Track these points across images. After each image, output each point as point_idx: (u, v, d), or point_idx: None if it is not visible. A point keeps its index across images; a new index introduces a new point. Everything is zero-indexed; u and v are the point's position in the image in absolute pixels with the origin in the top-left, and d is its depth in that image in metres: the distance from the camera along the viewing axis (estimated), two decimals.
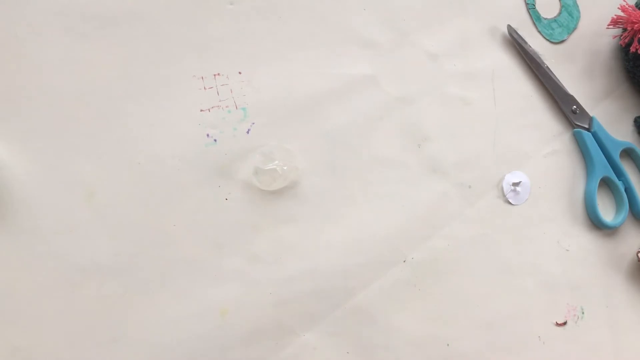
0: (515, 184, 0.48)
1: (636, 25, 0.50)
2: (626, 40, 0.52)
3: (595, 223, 0.50)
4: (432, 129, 0.48)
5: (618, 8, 0.52)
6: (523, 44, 0.51)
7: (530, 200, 0.49)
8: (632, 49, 0.51)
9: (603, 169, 0.51)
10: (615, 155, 0.51)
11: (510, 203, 0.48)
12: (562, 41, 0.54)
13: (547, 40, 0.53)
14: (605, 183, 0.52)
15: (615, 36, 0.54)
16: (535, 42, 0.52)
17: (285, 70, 0.45)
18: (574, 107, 0.52)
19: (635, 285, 0.51)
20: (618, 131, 0.53)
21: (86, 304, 0.38)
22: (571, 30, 0.54)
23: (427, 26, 0.50)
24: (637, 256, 0.50)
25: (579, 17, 0.55)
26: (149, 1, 0.43)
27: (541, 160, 0.50)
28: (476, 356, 0.45)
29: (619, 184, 0.51)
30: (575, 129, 0.52)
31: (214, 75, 0.43)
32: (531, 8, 0.53)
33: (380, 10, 0.48)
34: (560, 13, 0.54)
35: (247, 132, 0.43)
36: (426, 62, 0.49)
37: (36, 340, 0.37)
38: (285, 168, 0.42)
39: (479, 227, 0.47)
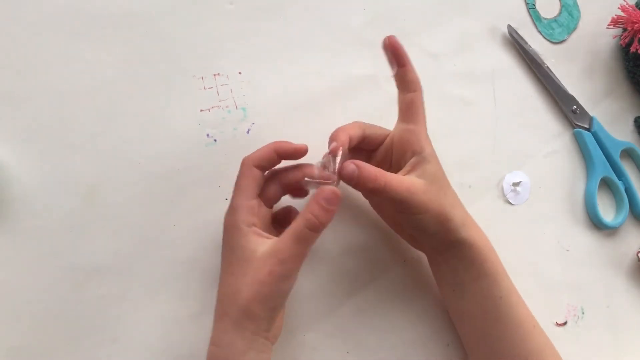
0: (515, 184, 0.48)
1: (636, 25, 0.50)
2: (626, 40, 0.52)
3: (596, 223, 0.50)
4: (432, 129, 0.47)
5: (618, 8, 0.52)
6: (523, 44, 0.51)
7: (530, 200, 0.49)
8: (632, 49, 0.51)
9: (603, 169, 0.51)
10: (616, 155, 0.51)
11: (510, 203, 0.48)
12: (562, 41, 0.54)
13: (547, 40, 0.53)
14: (606, 183, 0.52)
15: (615, 36, 0.54)
16: (536, 42, 0.52)
17: (286, 70, 0.45)
18: (574, 107, 0.52)
19: (635, 285, 0.51)
20: (618, 131, 0.53)
21: (86, 304, 0.38)
22: (571, 30, 0.54)
23: (427, 26, 0.50)
24: (637, 256, 0.50)
25: (579, 17, 0.55)
26: (149, 1, 0.43)
27: (541, 160, 0.50)
28: None
29: (619, 184, 0.51)
30: (576, 129, 0.52)
31: (214, 75, 0.43)
32: (531, 8, 0.53)
33: (380, 10, 0.48)
34: (560, 13, 0.54)
35: (247, 132, 0.43)
36: (426, 62, 0.49)
37: (36, 340, 0.37)
38: None
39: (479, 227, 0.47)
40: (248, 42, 0.44)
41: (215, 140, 0.42)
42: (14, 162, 0.39)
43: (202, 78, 0.43)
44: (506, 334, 0.38)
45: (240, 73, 0.44)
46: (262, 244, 0.34)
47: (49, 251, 0.38)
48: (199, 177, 0.41)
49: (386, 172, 0.35)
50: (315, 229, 0.33)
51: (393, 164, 0.39)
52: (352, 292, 0.43)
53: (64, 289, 0.38)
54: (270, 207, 0.38)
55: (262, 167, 0.37)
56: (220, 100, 0.43)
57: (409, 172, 0.37)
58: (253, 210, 0.35)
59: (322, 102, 0.45)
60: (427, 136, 0.38)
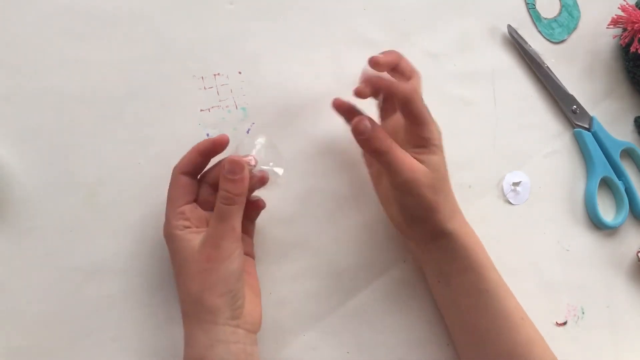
0: (515, 184, 0.48)
1: (636, 25, 0.50)
2: (626, 40, 0.52)
3: (596, 223, 0.50)
4: None
5: (618, 8, 0.52)
6: (523, 44, 0.51)
7: (530, 200, 0.49)
8: (632, 49, 0.51)
9: (603, 169, 0.51)
10: (616, 155, 0.51)
11: (510, 203, 0.48)
12: (562, 41, 0.54)
13: (547, 40, 0.53)
14: (606, 183, 0.52)
15: (615, 36, 0.54)
16: (536, 42, 0.52)
17: (285, 70, 0.45)
18: (574, 107, 0.52)
19: (635, 285, 0.51)
20: (618, 131, 0.53)
21: (86, 304, 0.38)
22: (571, 30, 0.54)
23: (427, 26, 0.50)
24: (637, 256, 0.50)
25: (579, 17, 0.55)
26: (149, 1, 0.43)
27: (541, 160, 0.50)
28: None
29: (619, 184, 0.51)
30: (576, 129, 0.52)
31: (214, 75, 0.43)
32: (531, 8, 0.53)
33: (380, 10, 0.48)
34: (560, 13, 0.54)
35: (247, 132, 0.43)
36: (426, 62, 0.49)
37: (36, 340, 0.37)
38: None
39: (479, 227, 0.46)
40: (248, 42, 0.44)
41: None
42: (14, 162, 0.39)
43: (202, 78, 0.43)
44: (492, 325, 0.39)
45: (240, 73, 0.44)
46: (198, 239, 0.35)
47: (49, 251, 0.38)
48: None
49: (395, 144, 0.36)
50: (230, 202, 0.34)
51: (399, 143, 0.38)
52: (352, 292, 0.43)
53: (64, 289, 0.38)
54: (208, 209, 0.37)
55: (190, 173, 0.36)
56: (220, 100, 0.43)
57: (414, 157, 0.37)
58: (184, 215, 0.36)
59: (322, 102, 0.45)
60: (438, 128, 0.38)
